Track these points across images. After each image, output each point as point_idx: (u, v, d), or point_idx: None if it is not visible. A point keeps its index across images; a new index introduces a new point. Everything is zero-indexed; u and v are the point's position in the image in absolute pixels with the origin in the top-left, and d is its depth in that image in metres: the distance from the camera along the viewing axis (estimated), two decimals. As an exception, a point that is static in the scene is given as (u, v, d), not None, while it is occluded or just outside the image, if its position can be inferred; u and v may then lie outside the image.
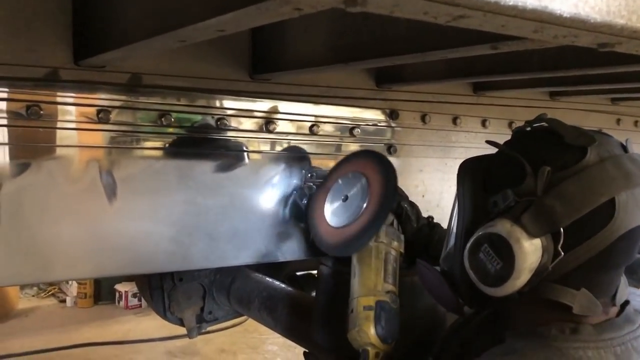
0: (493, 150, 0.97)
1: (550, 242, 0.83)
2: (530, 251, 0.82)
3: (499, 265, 0.84)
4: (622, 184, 0.83)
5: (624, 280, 0.92)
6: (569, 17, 0.52)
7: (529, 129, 0.95)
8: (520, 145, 0.92)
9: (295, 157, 1.47)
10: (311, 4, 0.53)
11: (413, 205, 1.45)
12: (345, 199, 1.39)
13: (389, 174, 1.36)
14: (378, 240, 1.29)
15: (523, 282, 0.84)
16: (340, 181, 1.43)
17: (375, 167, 1.39)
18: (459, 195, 0.97)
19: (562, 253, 0.83)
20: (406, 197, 1.46)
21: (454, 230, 0.99)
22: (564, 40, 0.66)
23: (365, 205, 1.34)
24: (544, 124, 0.93)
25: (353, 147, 1.59)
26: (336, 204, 1.41)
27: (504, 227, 0.84)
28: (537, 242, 0.82)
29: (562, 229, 0.82)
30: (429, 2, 0.48)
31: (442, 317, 1.39)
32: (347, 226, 1.35)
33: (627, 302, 0.92)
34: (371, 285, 1.24)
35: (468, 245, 0.90)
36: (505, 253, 0.83)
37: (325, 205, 1.43)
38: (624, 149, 0.89)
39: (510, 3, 0.48)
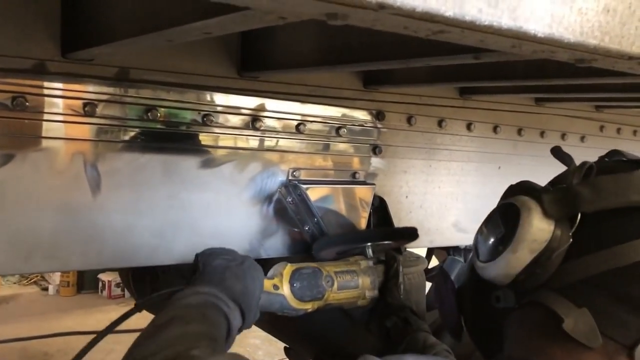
0: None
1: (565, 231, 0.73)
2: (537, 225, 0.73)
3: (500, 234, 0.77)
4: None
5: None
6: (544, 37, 0.54)
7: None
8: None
9: (280, 155, 1.49)
10: (295, 14, 0.54)
11: (414, 312, 1.43)
12: None
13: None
14: (353, 261, 1.41)
15: (520, 263, 0.74)
16: None
17: None
18: None
19: (571, 239, 0.73)
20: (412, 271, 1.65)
21: None
22: (542, 54, 0.68)
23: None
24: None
25: (339, 146, 1.60)
26: None
27: (520, 198, 0.77)
28: (550, 222, 0.74)
29: (579, 215, 0.73)
30: (407, 18, 0.49)
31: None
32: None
33: None
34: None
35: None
36: (512, 220, 0.75)
37: None
38: None
39: (486, 23, 0.49)
